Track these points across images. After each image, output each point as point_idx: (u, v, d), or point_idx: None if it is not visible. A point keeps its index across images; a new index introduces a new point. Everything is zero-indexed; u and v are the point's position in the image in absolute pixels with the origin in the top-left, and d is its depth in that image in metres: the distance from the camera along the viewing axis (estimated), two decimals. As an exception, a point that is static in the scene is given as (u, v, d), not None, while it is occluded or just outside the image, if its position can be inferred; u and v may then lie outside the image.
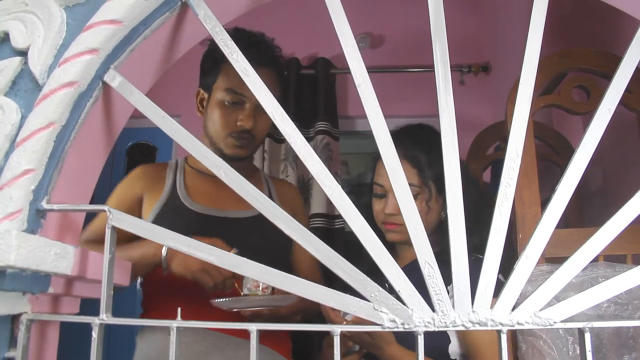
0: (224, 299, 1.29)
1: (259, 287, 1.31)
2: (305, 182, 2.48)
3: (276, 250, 1.52)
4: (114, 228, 0.68)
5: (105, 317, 0.64)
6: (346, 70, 2.67)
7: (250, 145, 1.57)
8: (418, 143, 1.38)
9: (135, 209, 1.53)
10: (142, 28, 0.74)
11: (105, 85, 0.74)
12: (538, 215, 1.27)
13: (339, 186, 0.67)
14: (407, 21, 2.58)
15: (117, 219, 0.68)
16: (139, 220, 0.67)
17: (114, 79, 0.73)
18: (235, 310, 1.31)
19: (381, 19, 2.61)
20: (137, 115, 0.78)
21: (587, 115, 1.30)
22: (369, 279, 0.64)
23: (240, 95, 1.51)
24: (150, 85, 0.87)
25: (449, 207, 0.67)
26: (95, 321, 0.63)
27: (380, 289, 0.64)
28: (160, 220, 1.48)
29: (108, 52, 0.72)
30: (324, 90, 2.55)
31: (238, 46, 0.72)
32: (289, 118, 0.70)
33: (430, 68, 2.48)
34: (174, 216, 1.48)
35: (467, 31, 2.45)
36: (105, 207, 0.68)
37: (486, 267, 0.66)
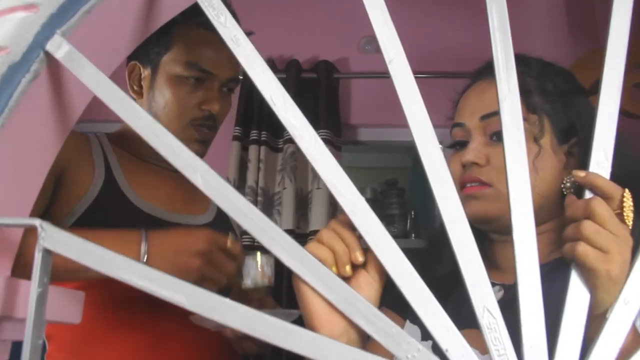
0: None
1: (265, 276, 1.09)
2: (304, 196, 2.29)
3: None
4: (47, 252, 0.49)
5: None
6: (350, 75, 2.50)
7: (211, 139, 1.25)
8: (530, 65, 0.94)
9: (47, 187, 1.06)
10: (99, -19, 0.56)
11: (51, 58, 0.55)
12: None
13: (362, 198, 0.49)
14: (417, 26, 2.42)
15: (52, 238, 0.48)
16: (80, 241, 0.48)
17: (59, 47, 0.54)
18: (219, 329, 1.08)
19: (394, 23, 2.44)
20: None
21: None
22: (403, 332, 0.45)
23: (206, 72, 1.21)
24: (117, 63, 0.67)
25: (514, 220, 0.48)
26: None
27: (421, 347, 0.45)
28: (97, 215, 1.11)
29: (52, 10, 0.53)
30: (326, 96, 2.37)
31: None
32: (294, 104, 0.51)
33: (441, 74, 2.33)
34: (116, 214, 1.14)
35: (481, 37, 2.29)
36: (36, 222, 0.49)
37: (568, 316, 0.47)
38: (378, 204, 3.18)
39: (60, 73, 0.58)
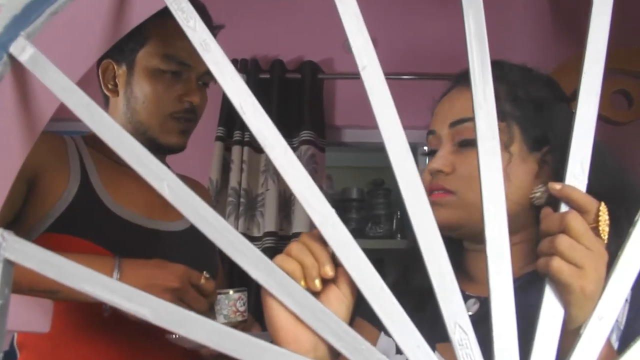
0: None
1: (237, 312, 1.09)
2: (287, 198, 2.27)
3: (209, 268, 1.22)
4: (8, 262, 0.47)
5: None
6: (335, 76, 2.49)
7: (191, 129, 1.24)
8: (503, 71, 0.89)
9: (19, 192, 1.05)
10: (66, -19, 0.54)
11: (14, 61, 0.53)
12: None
13: (333, 211, 0.47)
14: (402, 25, 2.41)
15: (13, 248, 0.47)
16: (42, 252, 0.47)
17: (23, 50, 0.52)
18: (195, 348, 1.08)
19: (374, 21, 2.43)
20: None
21: (629, 126, 1.12)
22: (373, 348, 0.44)
23: (184, 64, 1.20)
24: (86, 67, 0.66)
25: (488, 232, 0.47)
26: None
27: (390, 363, 0.44)
28: (72, 220, 1.09)
29: (15, 11, 0.52)
30: (310, 97, 2.35)
31: None
32: (265, 113, 0.50)
33: (426, 76, 2.31)
34: (91, 219, 1.12)
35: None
36: (-4, 230, 0.47)
37: (541, 332, 0.46)
38: (364, 204, 3.17)
39: (26, 77, 0.56)
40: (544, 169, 0.86)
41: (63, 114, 0.73)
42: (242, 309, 1.09)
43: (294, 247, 0.58)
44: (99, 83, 1.24)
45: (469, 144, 0.87)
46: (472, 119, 0.87)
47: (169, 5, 0.52)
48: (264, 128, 0.49)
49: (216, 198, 2.22)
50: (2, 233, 0.47)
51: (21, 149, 0.62)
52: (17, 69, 0.54)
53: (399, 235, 2.97)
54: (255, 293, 1.36)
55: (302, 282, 0.56)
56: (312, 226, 2.15)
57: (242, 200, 2.23)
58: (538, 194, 0.81)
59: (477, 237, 0.88)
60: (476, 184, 0.86)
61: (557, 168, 0.83)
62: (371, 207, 3.12)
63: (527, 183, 0.84)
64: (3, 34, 0.52)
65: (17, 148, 0.61)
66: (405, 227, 3.01)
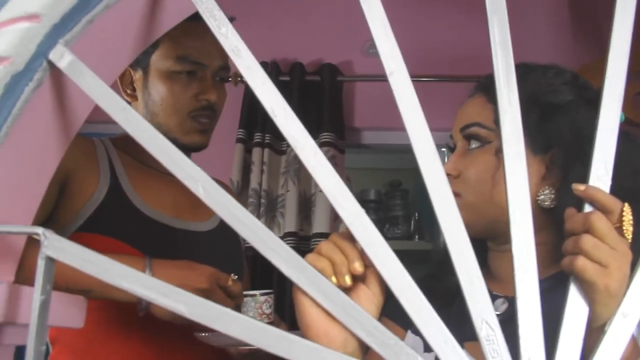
0: (212, 333, 1.06)
1: (263, 314, 1.11)
2: (307, 198, 2.29)
3: (235, 268, 1.23)
4: (50, 259, 0.49)
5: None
6: (354, 78, 2.50)
7: (212, 128, 1.26)
8: (517, 73, 0.92)
9: (52, 193, 1.08)
10: (102, -9, 0.56)
11: (53, 67, 0.55)
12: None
13: (362, 211, 0.49)
14: (420, 29, 2.41)
15: (55, 247, 0.49)
16: (81, 249, 0.49)
17: (62, 56, 0.54)
18: (224, 346, 1.10)
19: (393, 25, 2.43)
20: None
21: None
22: (402, 343, 0.45)
23: (198, 64, 1.21)
24: (119, 71, 0.68)
25: (513, 234, 0.48)
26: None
27: (420, 358, 0.45)
28: (102, 221, 1.11)
29: (55, 20, 0.54)
30: (329, 99, 2.36)
31: None
32: (295, 116, 0.52)
33: (445, 78, 2.31)
34: (121, 220, 1.14)
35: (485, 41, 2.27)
36: (39, 230, 0.49)
37: (566, 329, 0.47)
38: (382, 206, 3.17)
39: (63, 81, 0.58)
40: (552, 170, 0.86)
41: (93, 116, 0.75)
42: (268, 311, 1.10)
43: (324, 246, 0.60)
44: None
45: (474, 147, 0.90)
46: (478, 124, 0.89)
47: (201, 12, 0.54)
48: (294, 130, 0.50)
49: (237, 199, 2.24)
50: (43, 232, 0.49)
51: (57, 151, 0.64)
52: (56, 74, 0.56)
53: (416, 236, 2.97)
54: (278, 294, 1.37)
55: (333, 279, 0.57)
56: (331, 226, 2.15)
57: (262, 201, 2.24)
58: (542, 197, 0.83)
59: (486, 237, 0.92)
60: (479, 187, 0.89)
61: (566, 169, 0.83)
62: (389, 209, 3.12)
63: (532, 186, 0.85)
64: (43, 41, 0.53)
65: (53, 150, 0.63)
66: (423, 229, 3.01)
